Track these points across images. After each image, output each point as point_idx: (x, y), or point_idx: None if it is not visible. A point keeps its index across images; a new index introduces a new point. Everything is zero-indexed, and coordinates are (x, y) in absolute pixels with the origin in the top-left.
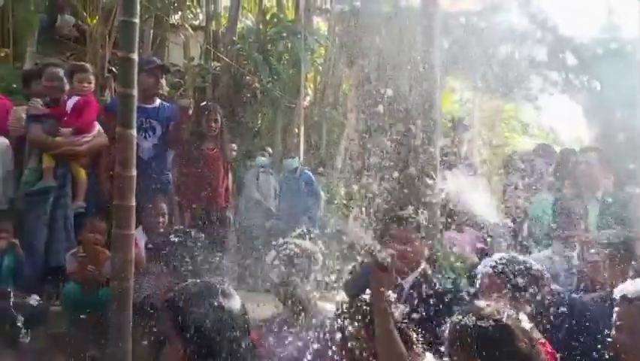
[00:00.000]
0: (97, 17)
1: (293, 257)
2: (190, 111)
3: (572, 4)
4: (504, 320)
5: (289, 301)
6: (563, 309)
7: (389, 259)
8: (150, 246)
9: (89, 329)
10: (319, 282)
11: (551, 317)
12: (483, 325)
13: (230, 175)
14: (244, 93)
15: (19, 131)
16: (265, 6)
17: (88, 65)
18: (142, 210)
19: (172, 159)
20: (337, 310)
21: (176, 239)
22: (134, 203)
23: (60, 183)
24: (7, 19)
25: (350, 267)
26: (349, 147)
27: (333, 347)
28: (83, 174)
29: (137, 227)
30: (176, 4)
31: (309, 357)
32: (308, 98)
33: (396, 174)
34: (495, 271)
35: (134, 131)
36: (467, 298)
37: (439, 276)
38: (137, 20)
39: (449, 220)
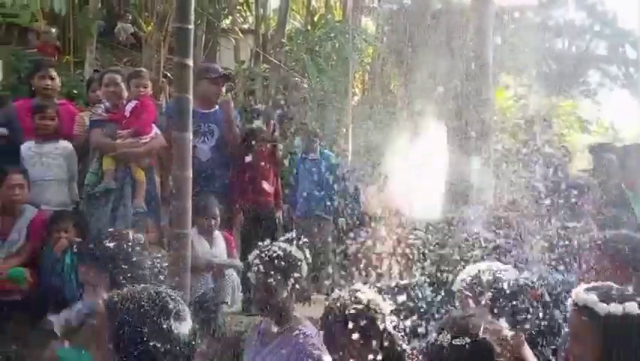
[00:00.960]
0: (152, 24)
1: (274, 259)
2: (231, 104)
3: None
4: (480, 334)
5: (267, 308)
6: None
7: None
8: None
9: None
10: (297, 290)
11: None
12: (458, 343)
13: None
14: (293, 94)
15: (84, 136)
16: (313, 7)
17: (144, 70)
18: (195, 212)
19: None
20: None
21: (112, 243)
22: (190, 203)
23: (120, 185)
24: (68, 27)
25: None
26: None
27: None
28: (142, 175)
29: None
30: (227, 9)
31: None
32: (356, 98)
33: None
34: (465, 286)
35: (190, 134)
36: None
37: None
38: (191, 26)
39: None
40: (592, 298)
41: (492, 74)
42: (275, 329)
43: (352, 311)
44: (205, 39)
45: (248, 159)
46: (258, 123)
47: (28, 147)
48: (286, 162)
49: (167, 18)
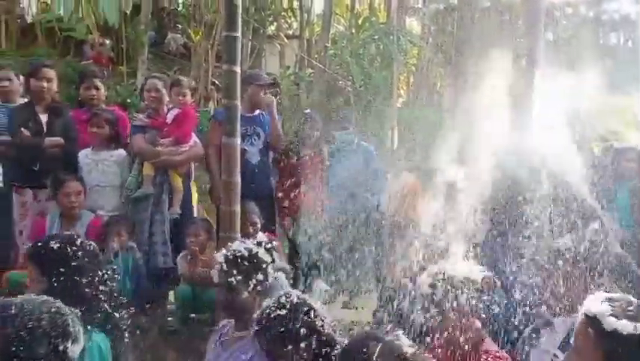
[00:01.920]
0: (200, 33)
1: (237, 258)
2: (274, 104)
3: None
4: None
5: (228, 308)
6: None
7: None
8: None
9: (198, 327)
10: (258, 292)
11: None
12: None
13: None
14: (337, 98)
15: None
16: (357, 10)
17: (185, 79)
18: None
19: (273, 164)
20: None
21: (56, 246)
22: (238, 208)
23: (158, 191)
24: (120, 39)
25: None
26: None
27: None
28: (179, 182)
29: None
30: (272, 16)
31: None
32: (401, 100)
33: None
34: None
35: (238, 140)
36: None
37: None
38: (239, 34)
39: None
40: (603, 309)
41: (543, 72)
42: (236, 333)
43: (275, 316)
44: (251, 46)
45: (294, 162)
46: (305, 127)
47: (85, 155)
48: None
49: (214, 27)
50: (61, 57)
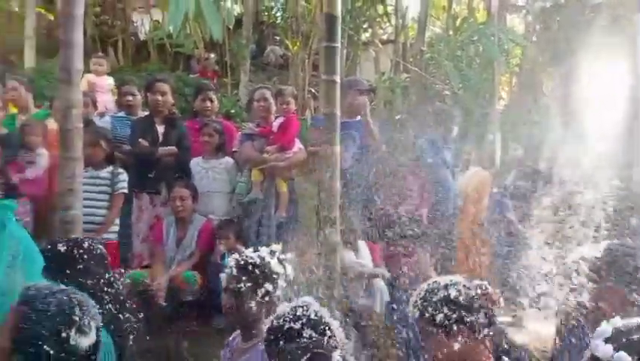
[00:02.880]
0: (297, 44)
1: (248, 265)
2: (367, 105)
3: None
4: None
5: (233, 316)
6: None
7: None
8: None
9: None
10: (267, 303)
11: None
12: None
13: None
14: (434, 102)
15: None
16: (455, 11)
17: (288, 89)
18: None
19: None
20: None
21: (63, 248)
22: (337, 213)
23: (266, 196)
24: (224, 52)
25: None
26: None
27: None
28: (285, 187)
29: None
30: (366, 22)
31: None
32: (502, 102)
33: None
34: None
35: (338, 148)
36: None
37: None
38: (338, 45)
39: None
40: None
41: None
42: (242, 345)
43: (287, 328)
44: (346, 53)
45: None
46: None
47: (196, 163)
48: None
49: (311, 37)
50: (171, 72)
